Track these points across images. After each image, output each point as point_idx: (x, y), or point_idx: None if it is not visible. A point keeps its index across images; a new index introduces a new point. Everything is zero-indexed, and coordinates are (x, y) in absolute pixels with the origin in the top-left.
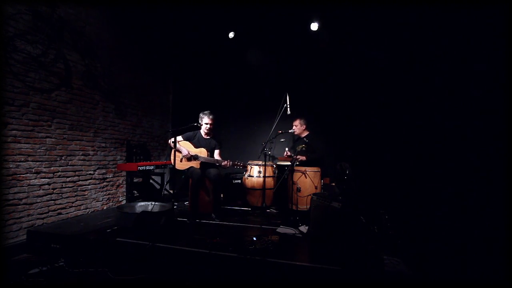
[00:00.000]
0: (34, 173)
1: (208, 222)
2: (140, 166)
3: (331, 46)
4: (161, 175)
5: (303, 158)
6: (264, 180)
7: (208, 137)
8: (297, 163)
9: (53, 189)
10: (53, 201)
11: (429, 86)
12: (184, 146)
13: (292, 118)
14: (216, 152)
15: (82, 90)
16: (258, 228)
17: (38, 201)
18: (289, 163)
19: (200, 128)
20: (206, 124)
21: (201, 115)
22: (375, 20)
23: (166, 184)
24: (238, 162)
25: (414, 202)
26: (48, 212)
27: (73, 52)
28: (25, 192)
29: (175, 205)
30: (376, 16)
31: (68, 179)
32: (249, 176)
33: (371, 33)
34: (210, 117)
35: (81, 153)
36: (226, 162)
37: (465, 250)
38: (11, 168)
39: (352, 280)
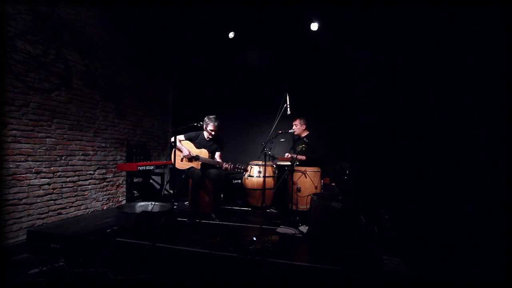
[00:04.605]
0: (34, 173)
1: (208, 222)
2: (140, 166)
3: (331, 46)
4: (161, 175)
5: (303, 157)
6: (264, 180)
7: (210, 139)
8: (297, 163)
9: (53, 189)
10: (53, 201)
11: (429, 86)
12: (186, 146)
13: (292, 118)
14: (217, 154)
15: (82, 90)
16: (258, 228)
17: (38, 201)
18: (289, 163)
19: (202, 129)
20: (211, 130)
21: (206, 119)
22: (375, 20)
23: (166, 184)
24: (238, 166)
25: (414, 202)
26: (48, 212)
27: (73, 52)
28: (25, 192)
29: (175, 205)
30: (376, 16)
31: (68, 179)
32: (249, 176)
33: (371, 33)
34: (215, 123)
35: (81, 153)
36: (227, 165)
37: (465, 250)
38: (11, 168)
39: (352, 280)
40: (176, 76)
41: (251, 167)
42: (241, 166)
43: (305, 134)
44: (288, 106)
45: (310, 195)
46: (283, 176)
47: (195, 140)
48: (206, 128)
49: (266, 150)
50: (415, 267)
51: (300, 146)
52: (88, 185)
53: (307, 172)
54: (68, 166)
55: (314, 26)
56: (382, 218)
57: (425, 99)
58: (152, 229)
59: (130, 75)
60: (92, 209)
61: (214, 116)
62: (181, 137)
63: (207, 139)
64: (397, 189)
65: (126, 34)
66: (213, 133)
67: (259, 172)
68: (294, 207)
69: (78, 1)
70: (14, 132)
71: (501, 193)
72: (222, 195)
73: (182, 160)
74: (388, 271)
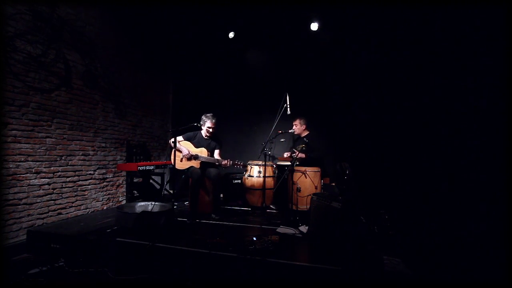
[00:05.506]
0: (34, 173)
1: (208, 222)
2: (140, 166)
3: (331, 46)
4: (161, 175)
5: (303, 155)
6: (264, 180)
7: (208, 137)
8: (297, 163)
9: (53, 189)
10: (53, 201)
11: (429, 86)
12: (185, 146)
13: (292, 118)
14: (216, 152)
15: (82, 90)
16: (258, 228)
17: (38, 201)
18: (289, 163)
19: (201, 129)
20: (209, 127)
21: (203, 117)
22: (375, 20)
23: (166, 184)
24: (238, 162)
25: (414, 202)
26: (48, 212)
27: (73, 52)
28: (25, 192)
29: (175, 205)
30: (376, 16)
31: (68, 179)
32: (249, 176)
33: (371, 33)
34: (213, 121)
35: (81, 153)
36: (226, 161)
37: (465, 250)
38: (11, 168)
39: (352, 280)
40: (176, 76)
41: (251, 167)
42: (241, 162)
43: (305, 134)
44: (288, 106)
45: (310, 195)
46: (283, 176)
47: (193, 139)
48: (204, 126)
49: (266, 150)
50: (415, 267)
51: (300, 146)
52: (88, 185)
53: (307, 172)
54: (68, 166)
55: (314, 26)
56: (382, 218)
57: (425, 99)
58: (152, 229)
59: (130, 75)
60: (92, 209)
61: (211, 114)
62: (179, 138)
63: (205, 137)
64: (397, 189)
65: (126, 34)
66: (211, 130)
67: (259, 172)
68: (294, 207)
69: (78, 1)
70: (14, 132)
71: (502, 192)
72: (222, 195)
73: (181, 160)
74: (388, 271)
